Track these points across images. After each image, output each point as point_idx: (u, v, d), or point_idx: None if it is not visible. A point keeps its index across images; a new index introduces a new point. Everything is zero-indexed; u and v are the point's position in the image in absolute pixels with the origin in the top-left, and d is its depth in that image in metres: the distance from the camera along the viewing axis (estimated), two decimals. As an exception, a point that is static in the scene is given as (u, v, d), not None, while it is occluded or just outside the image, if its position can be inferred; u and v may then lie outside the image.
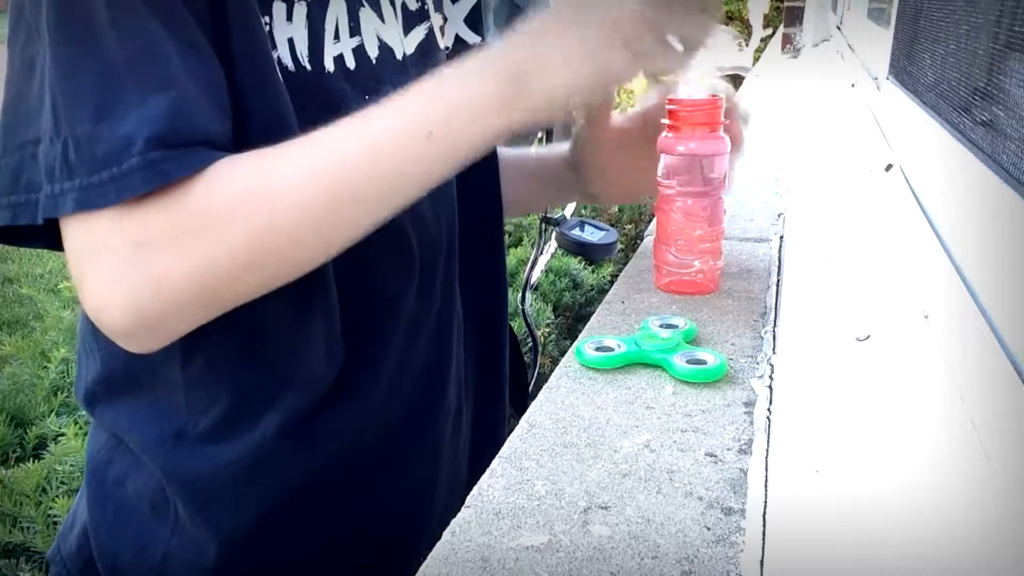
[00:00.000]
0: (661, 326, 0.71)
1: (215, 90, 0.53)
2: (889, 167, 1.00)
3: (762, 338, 0.72)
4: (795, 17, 3.38)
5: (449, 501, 0.73)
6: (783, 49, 3.35)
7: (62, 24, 0.49)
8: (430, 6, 0.72)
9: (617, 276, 0.91)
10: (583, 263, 2.45)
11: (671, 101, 0.77)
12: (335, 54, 0.62)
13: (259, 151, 0.52)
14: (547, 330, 2.06)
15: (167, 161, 0.48)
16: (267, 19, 0.58)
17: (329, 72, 0.61)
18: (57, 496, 1.48)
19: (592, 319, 0.78)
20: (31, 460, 1.62)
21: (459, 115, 0.54)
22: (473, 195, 0.77)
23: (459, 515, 0.50)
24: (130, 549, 0.68)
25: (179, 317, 0.52)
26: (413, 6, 0.70)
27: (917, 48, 1.13)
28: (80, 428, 1.64)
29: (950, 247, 0.69)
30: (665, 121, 0.78)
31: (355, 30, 0.64)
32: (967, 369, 0.53)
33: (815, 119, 1.65)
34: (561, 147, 0.89)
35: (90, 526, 0.70)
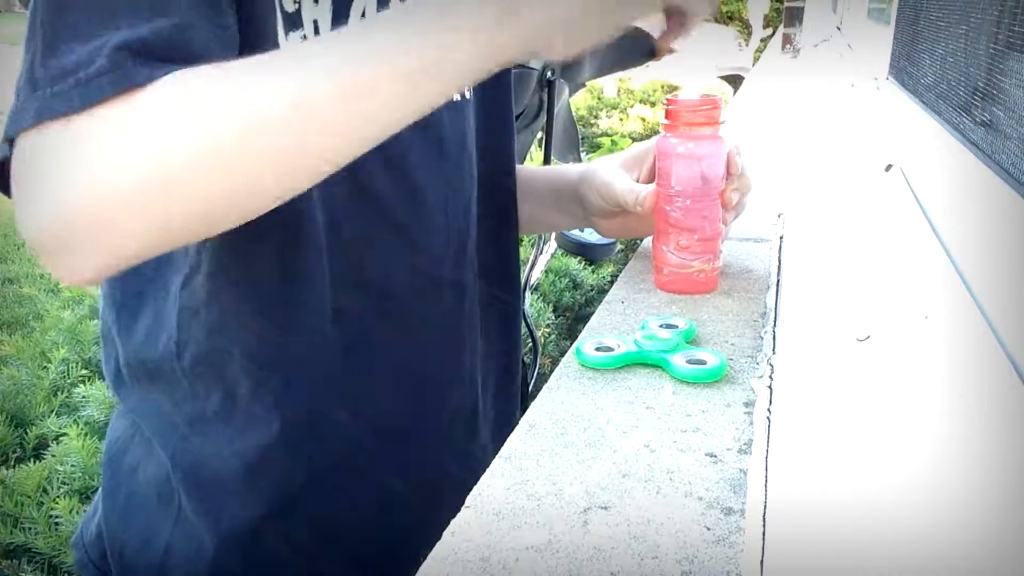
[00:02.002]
0: (661, 326, 0.71)
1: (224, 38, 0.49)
2: (889, 167, 1.00)
3: (762, 338, 0.72)
4: (795, 17, 3.38)
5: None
6: (783, 49, 3.36)
7: None
8: None
9: (617, 276, 0.91)
10: (583, 263, 2.45)
11: (670, 101, 0.77)
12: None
13: (226, 65, 0.45)
14: (547, 330, 2.06)
15: (138, 66, 0.43)
16: (296, 1, 0.56)
17: None
18: (58, 497, 1.48)
19: (592, 319, 0.78)
20: (31, 460, 1.62)
21: (443, 53, 0.46)
22: (490, 197, 0.77)
23: (459, 515, 0.50)
24: (136, 540, 0.69)
25: (112, 229, 0.44)
26: None
27: (917, 48, 1.13)
28: (81, 429, 1.65)
29: (950, 247, 0.69)
30: (664, 121, 0.78)
31: (383, 5, 0.61)
32: (967, 369, 0.53)
33: (815, 119, 1.65)
34: (572, 171, 0.89)
35: (103, 514, 0.72)
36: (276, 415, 0.65)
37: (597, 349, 0.68)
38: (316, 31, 0.59)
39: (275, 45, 0.56)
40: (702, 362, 0.65)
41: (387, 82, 0.45)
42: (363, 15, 0.61)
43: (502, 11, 0.46)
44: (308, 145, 0.45)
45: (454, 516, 0.49)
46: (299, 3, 0.58)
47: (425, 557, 0.46)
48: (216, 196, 0.45)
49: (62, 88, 0.43)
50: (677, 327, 0.71)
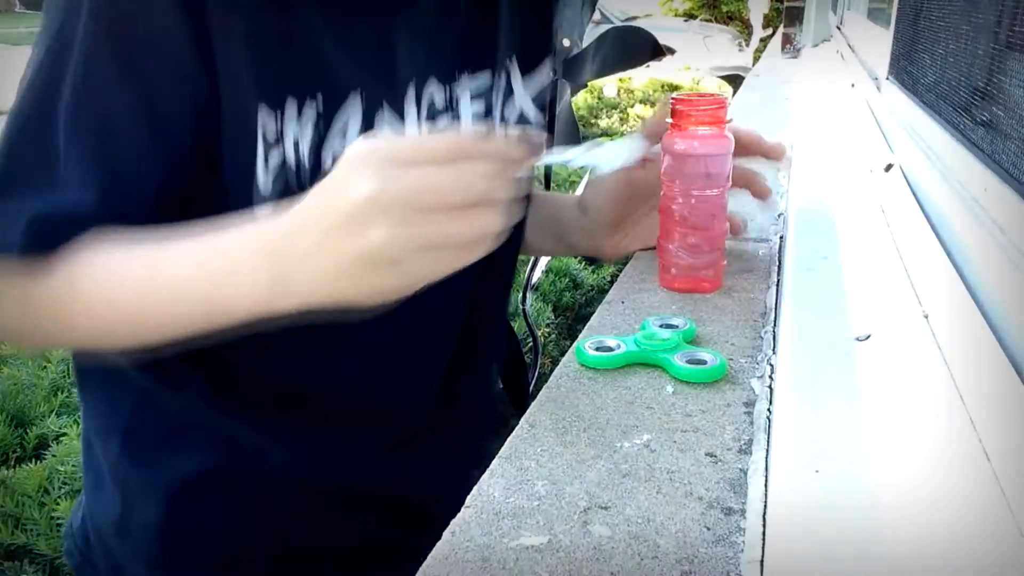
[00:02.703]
0: (661, 326, 0.71)
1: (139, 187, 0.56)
2: (889, 167, 1.00)
3: (762, 338, 0.72)
4: (795, 17, 3.38)
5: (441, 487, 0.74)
6: (783, 49, 3.36)
7: (31, 85, 0.54)
8: (461, 100, 0.71)
9: (617, 276, 0.91)
10: (583, 263, 2.45)
11: (676, 101, 0.77)
12: (337, 151, 0.61)
13: (95, 258, 0.54)
14: (547, 330, 2.06)
15: (44, 238, 0.53)
16: (278, 112, 0.59)
17: (325, 170, 0.58)
18: (59, 497, 1.48)
19: (592, 319, 0.78)
20: (31, 460, 1.62)
21: (220, 297, 0.52)
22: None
23: (459, 515, 0.50)
24: (102, 513, 0.73)
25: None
26: (440, 102, 0.68)
27: (917, 48, 1.13)
28: (81, 428, 1.64)
29: (950, 247, 0.69)
30: (669, 120, 0.78)
31: (366, 129, 0.63)
32: (967, 369, 0.53)
33: (815, 119, 1.65)
34: (571, 197, 0.89)
35: (85, 503, 0.76)
36: (198, 378, 0.67)
37: (597, 349, 0.68)
38: (296, 150, 0.60)
39: (252, 174, 0.59)
40: (702, 362, 0.65)
41: (177, 322, 0.54)
42: (344, 134, 0.62)
43: (274, 281, 0.49)
44: (125, 333, 0.56)
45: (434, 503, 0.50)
46: (281, 127, 0.59)
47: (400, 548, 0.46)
48: (86, 341, 0.60)
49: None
50: (677, 327, 0.71)
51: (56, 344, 0.60)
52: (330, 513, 0.73)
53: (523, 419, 0.60)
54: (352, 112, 0.62)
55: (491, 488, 0.52)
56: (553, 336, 2.11)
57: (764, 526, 0.46)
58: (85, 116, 0.54)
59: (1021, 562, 0.38)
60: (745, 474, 0.53)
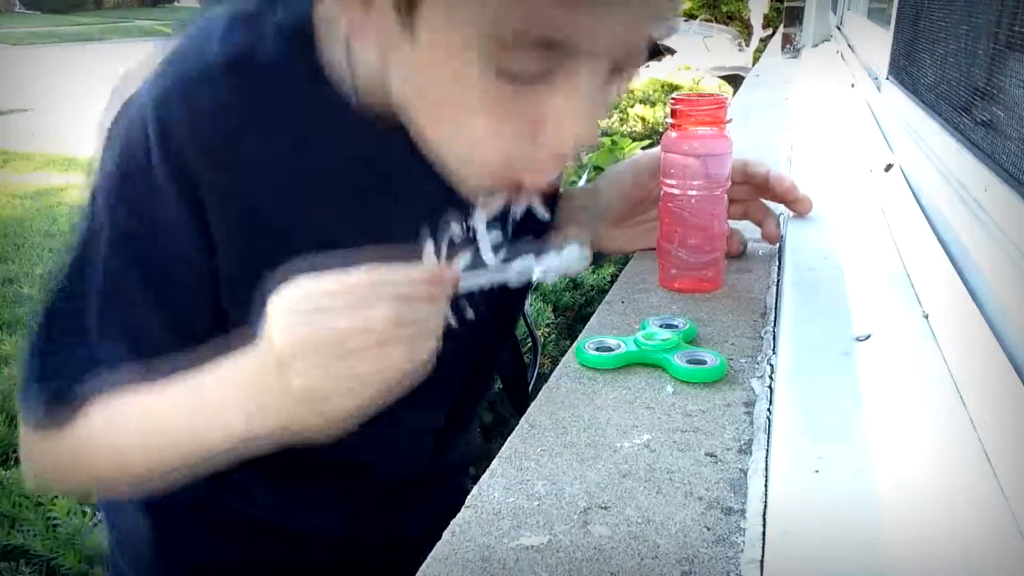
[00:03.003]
0: (661, 326, 0.71)
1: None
2: (889, 167, 1.00)
3: (762, 338, 0.72)
4: (795, 17, 3.38)
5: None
6: (783, 49, 3.35)
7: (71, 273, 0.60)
8: (478, 231, 0.73)
9: (617, 276, 0.91)
10: (583, 263, 2.44)
11: (676, 100, 0.77)
12: None
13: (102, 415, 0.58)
14: (547, 330, 2.06)
15: (61, 405, 0.58)
16: None
17: None
18: (56, 498, 1.48)
19: (592, 319, 0.78)
20: (31, 461, 1.62)
21: (208, 436, 0.55)
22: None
23: (459, 515, 0.50)
24: (125, 524, 0.77)
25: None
26: (458, 236, 0.69)
27: (917, 48, 1.13)
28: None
29: (950, 247, 0.69)
30: (669, 120, 0.78)
31: None
32: (967, 369, 0.53)
33: (815, 119, 1.65)
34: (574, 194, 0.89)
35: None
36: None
37: (597, 349, 0.68)
38: None
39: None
40: (702, 362, 0.65)
41: (177, 460, 0.57)
42: None
43: (249, 417, 0.52)
44: (139, 476, 0.60)
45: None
46: None
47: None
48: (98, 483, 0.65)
49: (28, 411, 0.60)
50: (677, 327, 0.71)
51: (89, 489, 0.69)
52: (314, 551, 0.76)
53: (523, 419, 0.60)
54: None
55: (491, 488, 0.52)
56: (553, 336, 2.11)
57: (764, 526, 0.46)
58: (110, 319, 0.59)
59: (1021, 562, 0.38)
60: (745, 474, 0.53)
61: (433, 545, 0.48)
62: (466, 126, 0.51)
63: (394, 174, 0.61)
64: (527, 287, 0.83)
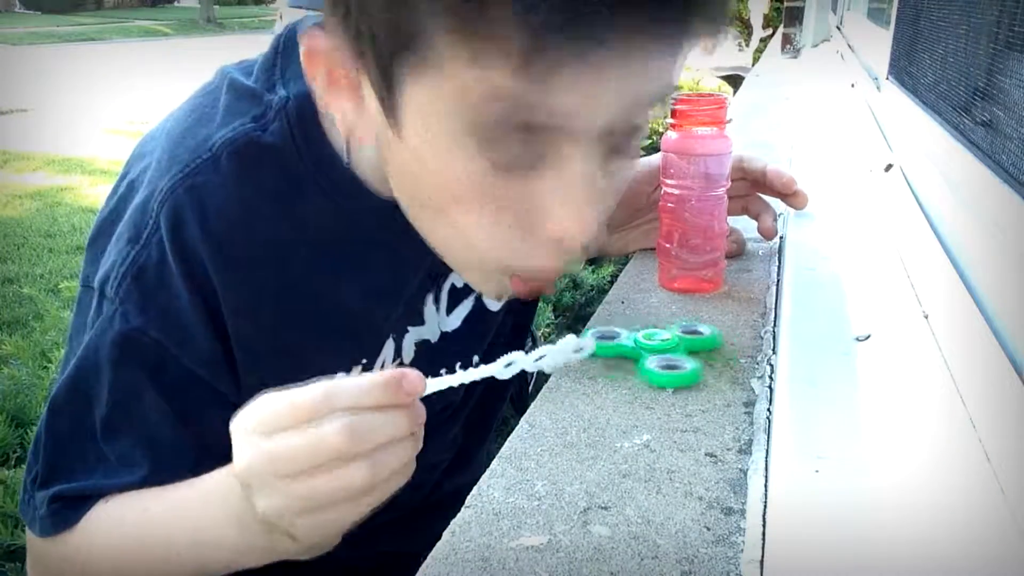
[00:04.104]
0: (685, 332, 0.70)
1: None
2: (889, 167, 1.00)
3: (762, 338, 0.72)
4: (795, 17, 3.38)
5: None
6: (783, 49, 3.35)
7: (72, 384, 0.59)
8: None
9: (617, 276, 0.91)
10: (583, 263, 2.45)
11: (676, 100, 0.77)
12: None
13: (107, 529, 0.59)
14: (547, 330, 2.06)
15: (67, 510, 0.59)
16: None
17: None
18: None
19: (592, 319, 0.78)
20: (31, 460, 1.62)
21: (204, 554, 0.56)
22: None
23: (459, 515, 0.50)
24: None
25: None
26: (460, 283, 0.72)
27: (917, 48, 1.13)
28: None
29: (950, 247, 0.69)
30: (669, 120, 0.78)
31: (397, 354, 0.69)
32: (967, 369, 0.53)
33: (815, 119, 1.65)
34: None
35: None
36: None
37: (602, 337, 0.69)
38: None
39: None
40: (675, 367, 0.65)
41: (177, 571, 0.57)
42: (383, 366, 0.67)
43: (242, 531, 0.52)
44: None
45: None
46: None
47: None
48: None
49: (32, 518, 0.61)
50: (702, 333, 0.70)
51: None
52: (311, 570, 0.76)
53: (523, 419, 0.60)
54: (387, 351, 0.68)
55: (491, 488, 0.52)
56: (553, 336, 2.11)
57: (764, 526, 0.46)
58: (123, 428, 0.59)
59: (1021, 562, 0.38)
60: (745, 474, 0.53)
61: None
62: (460, 222, 0.49)
63: (394, 239, 0.60)
64: (530, 320, 0.83)
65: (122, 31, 17.07)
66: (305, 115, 0.57)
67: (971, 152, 0.71)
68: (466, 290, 0.74)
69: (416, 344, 0.70)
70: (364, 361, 0.67)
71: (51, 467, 0.60)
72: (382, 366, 0.68)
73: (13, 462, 1.64)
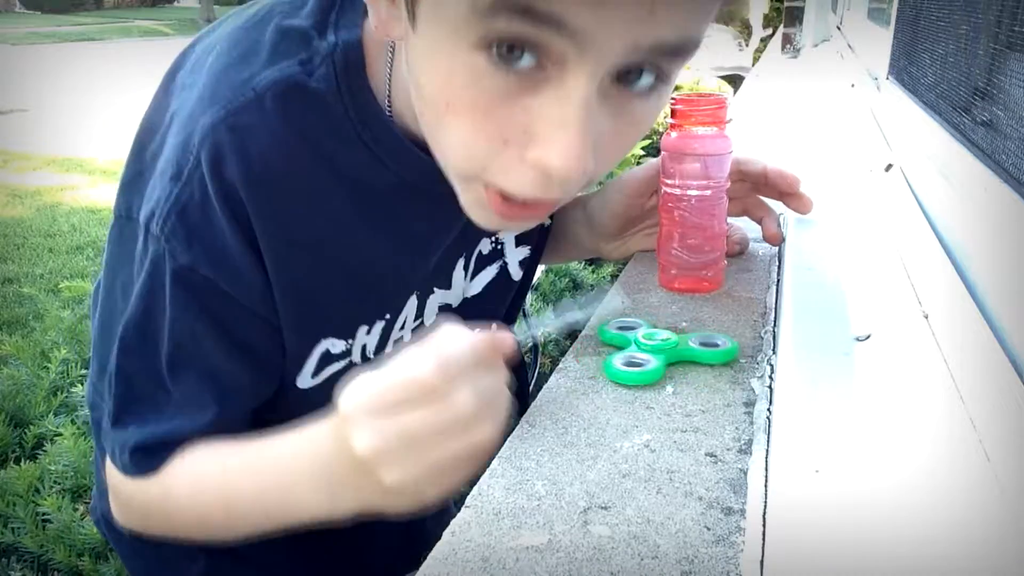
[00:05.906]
0: (702, 344, 0.68)
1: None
2: (889, 167, 1.00)
3: (762, 338, 0.72)
4: (795, 17, 3.38)
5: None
6: (783, 49, 3.35)
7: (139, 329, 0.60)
8: (507, 245, 0.76)
9: (617, 276, 0.91)
10: (583, 263, 2.45)
11: (676, 100, 0.77)
12: (396, 337, 0.70)
13: (195, 473, 0.60)
14: (547, 330, 2.06)
15: (148, 459, 0.61)
16: (350, 341, 0.67)
17: (386, 354, 0.64)
18: (48, 495, 1.48)
19: (591, 320, 0.78)
20: (30, 460, 1.62)
21: (288, 509, 0.57)
22: None
23: (459, 515, 0.50)
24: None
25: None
26: (487, 249, 0.73)
27: (917, 48, 1.13)
28: (77, 428, 1.64)
29: (950, 247, 0.69)
30: (670, 120, 0.78)
31: (419, 314, 0.71)
32: (967, 369, 0.53)
33: (815, 119, 1.65)
34: (575, 202, 0.90)
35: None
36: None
37: (619, 328, 0.70)
38: (363, 352, 0.68)
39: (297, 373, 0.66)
40: (638, 364, 0.65)
41: (257, 525, 0.59)
42: (403, 326, 0.70)
43: (330, 499, 0.53)
44: (218, 533, 0.63)
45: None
46: (351, 347, 0.67)
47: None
48: (185, 532, 0.65)
49: (112, 453, 0.63)
50: (719, 345, 0.68)
51: (169, 537, 0.66)
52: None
53: (523, 419, 0.60)
54: (409, 308, 0.69)
55: (491, 488, 0.52)
56: (553, 336, 2.11)
57: (764, 526, 0.46)
58: (186, 364, 0.60)
59: (1021, 562, 0.38)
60: (745, 474, 0.53)
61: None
62: (453, 122, 0.48)
63: (430, 195, 0.60)
64: (527, 285, 0.83)
65: (122, 31, 17.07)
66: (352, 64, 0.57)
67: (971, 152, 0.71)
68: (492, 256, 0.74)
69: (439, 306, 0.71)
70: (387, 317, 0.68)
71: (122, 406, 0.61)
72: (403, 325, 0.69)
73: (13, 462, 1.64)
